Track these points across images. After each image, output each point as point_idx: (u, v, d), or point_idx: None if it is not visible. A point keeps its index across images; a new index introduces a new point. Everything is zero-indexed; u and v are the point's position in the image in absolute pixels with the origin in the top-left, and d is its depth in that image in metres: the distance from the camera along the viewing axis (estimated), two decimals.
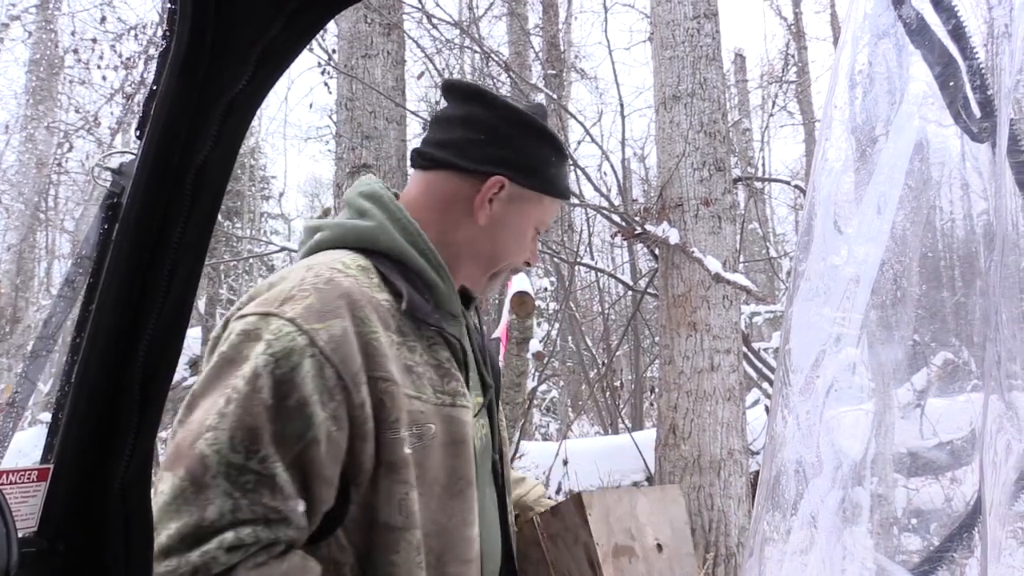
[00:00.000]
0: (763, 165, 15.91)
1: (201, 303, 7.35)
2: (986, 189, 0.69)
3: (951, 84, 0.65)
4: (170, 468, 0.97)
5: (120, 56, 10.96)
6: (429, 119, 1.28)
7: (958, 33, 0.65)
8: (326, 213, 6.72)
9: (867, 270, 0.65)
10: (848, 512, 0.61)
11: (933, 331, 0.70)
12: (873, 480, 0.64)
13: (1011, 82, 0.64)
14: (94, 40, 11.00)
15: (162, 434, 8.69)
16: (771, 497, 0.64)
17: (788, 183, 8.29)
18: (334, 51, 9.13)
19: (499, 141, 1.28)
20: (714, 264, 5.02)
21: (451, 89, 1.34)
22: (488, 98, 1.31)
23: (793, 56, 17.38)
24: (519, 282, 4.17)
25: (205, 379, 1.04)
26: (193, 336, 7.35)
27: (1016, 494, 0.62)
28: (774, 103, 13.95)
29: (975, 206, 0.71)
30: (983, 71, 0.66)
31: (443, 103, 1.36)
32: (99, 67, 10.96)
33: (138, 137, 0.71)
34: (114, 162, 0.79)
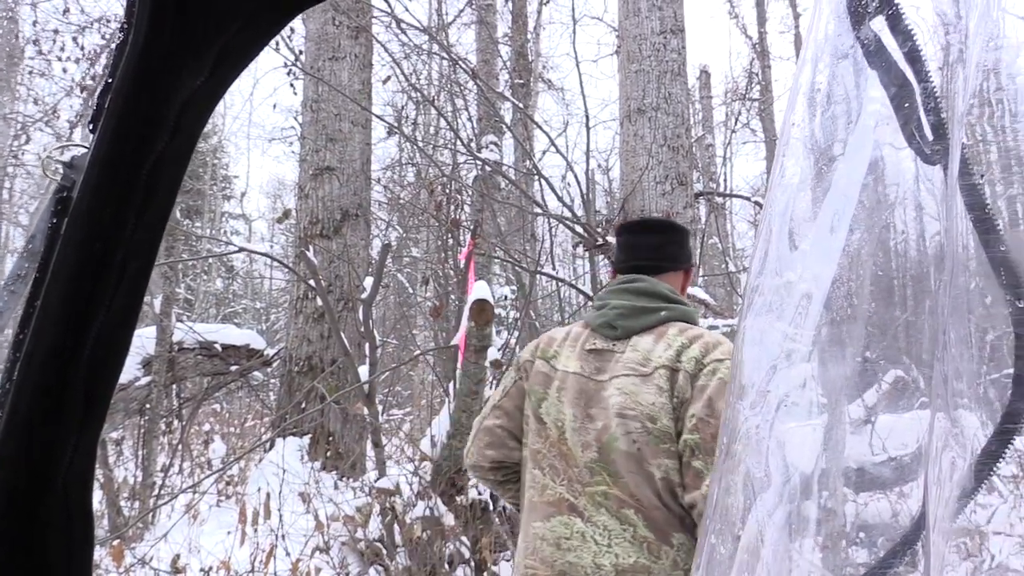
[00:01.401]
0: (725, 180, 16.12)
1: (157, 303, 7.22)
2: (938, 211, 0.71)
3: (906, 106, 0.67)
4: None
5: (82, 49, 10.78)
6: (624, 241, 2.27)
7: (914, 56, 0.66)
8: (286, 215, 6.65)
9: (820, 287, 0.66)
10: (795, 526, 0.62)
11: (883, 348, 0.71)
12: (823, 494, 0.65)
13: (964, 107, 0.66)
14: (56, 31, 10.81)
15: (114, 435, 8.50)
16: (719, 511, 0.64)
17: (749, 199, 8.40)
18: (301, 52, 9.08)
19: (684, 247, 2.21)
20: None
21: (644, 224, 2.37)
22: (671, 225, 2.31)
23: (757, 75, 17.67)
24: (479, 290, 4.16)
25: (717, 391, 1.78)
26: (147, 336, 7.21)
27: (959, 510, 0.64)
28: (737, 120, 14.16)
29: (928, 227, 0.72)
30: (937, 94, 0.67)
31: (629, 232, 2.27)
32: (60, 59, 10.77)
33: (91, 131, 0.70)
34: (66, 155, 0.77)
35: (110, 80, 0.70)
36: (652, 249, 2.14)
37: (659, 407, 1.81)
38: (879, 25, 0.68)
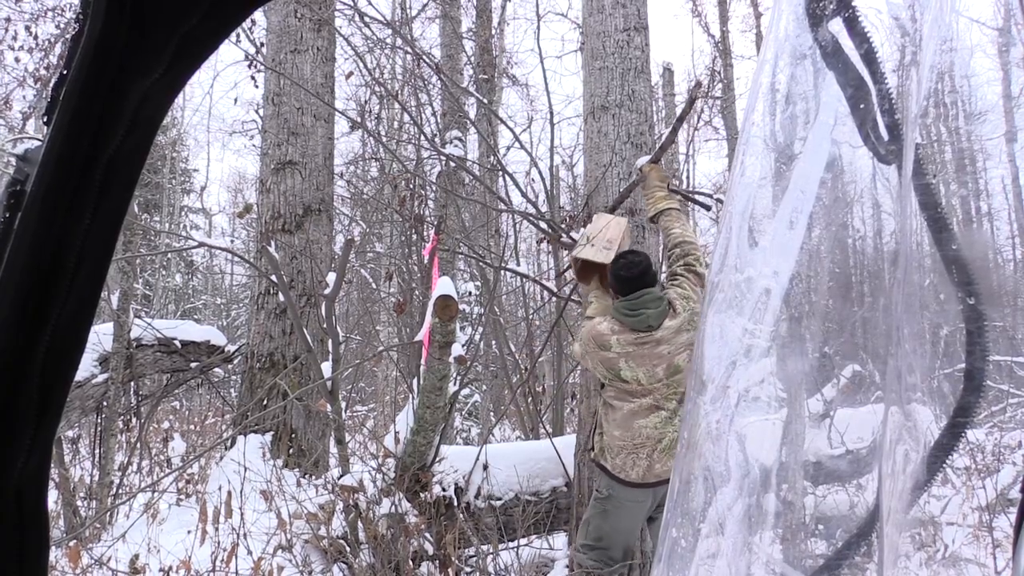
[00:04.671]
0: (687, 178, 16.27)
1: (114, 298, 7.09)
2: (894, 209, 0.72)
3: (861, 106, 0.68)
4: None
5: (36, 38, 10.53)
6: (628, 277, 3.92)
7: (870, 57, 0.67)
8: (247, 209, 6.57)
9: (779, 283, 0.67)
10: (755, 519, 0.63)
11: (841, 344, 0.72)
12: (783, 487, 0.66)
13: (917, 108, 0.67)
14: (8, 20, 10.54)
15: (69, 433, 8.33)
16: (681, 504, 0.65)
17: (711, 196, 8.48)
18: (262, 45, 8.96)
19: (653, 269, 4.07)
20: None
21: (636, 267, 3.91)
22: (647, 261, 4.01)
23: (719, 73, 17.83)
24: (443, 286, 4.15)
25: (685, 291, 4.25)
26: (104, 332, 7.07)
27: (912, 501, 0.65)
28: (699, 118, 14.27)
29: (884, 225, 0.73)
30: (892, 95, 0.68)
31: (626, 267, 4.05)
32: (12, 48, 10.50)
33: (45, 123, 0.68)
34: (20, 148, 0.75)
35: (65, 71, 0.68)
36: (646, 276, 3.86)
37: (690, 341, 3.74)
38: (837, 27, 0.69)
